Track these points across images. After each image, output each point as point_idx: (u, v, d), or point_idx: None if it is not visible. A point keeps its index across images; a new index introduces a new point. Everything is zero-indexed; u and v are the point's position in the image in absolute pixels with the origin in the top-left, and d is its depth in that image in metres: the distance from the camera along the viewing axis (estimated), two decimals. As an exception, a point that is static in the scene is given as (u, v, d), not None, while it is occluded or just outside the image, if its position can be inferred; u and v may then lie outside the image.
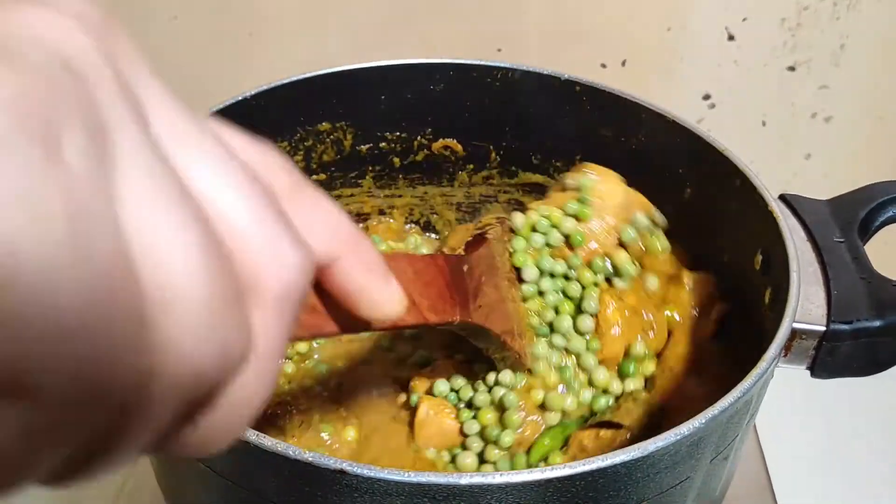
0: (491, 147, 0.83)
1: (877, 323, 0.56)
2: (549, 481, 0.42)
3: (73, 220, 0.18)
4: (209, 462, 0.47)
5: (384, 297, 0.32)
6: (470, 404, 0.61)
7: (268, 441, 0.42)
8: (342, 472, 0.41)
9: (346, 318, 0.33)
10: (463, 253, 0.58)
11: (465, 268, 0.54)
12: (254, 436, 0.42)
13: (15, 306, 0.17)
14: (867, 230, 0.65)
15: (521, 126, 0.80)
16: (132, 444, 0.21)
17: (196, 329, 0.21)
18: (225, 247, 0.23)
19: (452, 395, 0.62)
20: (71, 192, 0.18)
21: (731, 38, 0.93)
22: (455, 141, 0.83)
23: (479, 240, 0.61)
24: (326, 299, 0.32)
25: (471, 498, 0.42)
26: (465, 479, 0.41)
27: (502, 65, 0.77)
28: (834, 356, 0.58)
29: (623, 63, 0.95)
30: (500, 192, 0.85)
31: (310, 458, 0.41)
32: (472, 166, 0.85)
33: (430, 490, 0.41)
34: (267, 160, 0.27)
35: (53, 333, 0.18)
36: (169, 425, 0.22)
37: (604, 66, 0.95)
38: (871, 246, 0.65)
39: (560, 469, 0.42)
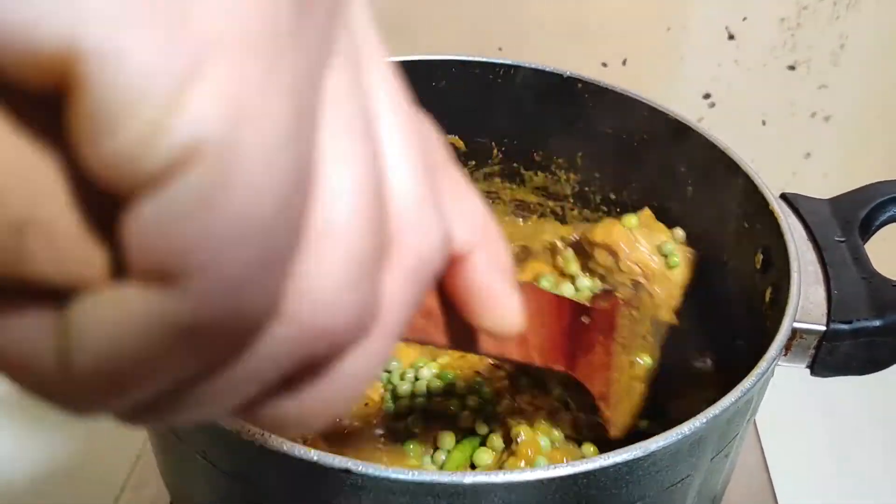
0: (493, 144, 0.83)
1: (877, 322, 0.57)
2: (551, 480, 0.43)
3: (296, 107, 0.18)
4: (214, 459, 0.48)
5: (507, 309, 0.28)
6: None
7: (273, 440, 0.42)
8: (347, 471, 0.41)
9: (457, 331, 0.31)
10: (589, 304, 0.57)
11: (585, 319, 0.52)
12: (259, 434, 0.42)
13: (221, 186, 0.16)
14: (868, 230, 0.65)
15: (522, 123, 0.81)
16: (227, 393, 0.20)
17: (339, 276, 0.20)
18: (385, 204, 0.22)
19: (385, 376, 0.66)
20: (298, 76, 0.18)
21: (731, 37, 0.93)
22: (457, 137, 0.83)
23: (607, 296, 0.61)
24: (442, 305, 0.30)
25: (474, 496, 0.42)
26: (468, 479, 0.42)
27: (505, 62, 0.77)
28: (834, 355, 0.58)
29: (624, 62, 0.96)
30: (501, 191, 0.86)
31: (315, 458, 0.42)
32: (473, 163, 0.85)
33: (434, 489, 0.42)
34: (425, 131, 0.26)
35: (235, 225, 0.17)
36: (272, 383, 0.20)
37: (604, 65, 0.95)
38: (871, 244, 0.66)
39: (563, 468, 0.43)
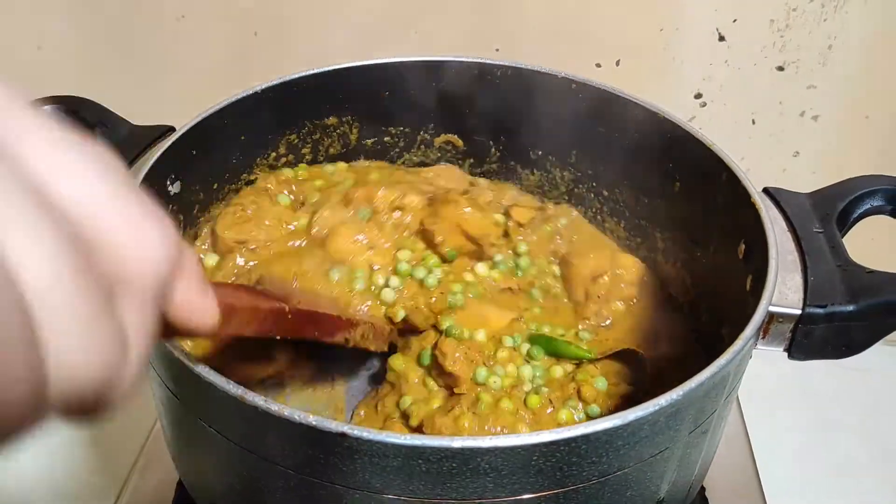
0: (490, 142, 0.86)
1: (850, 308, 0.59)
2: (534, 446, 0.45)
3: None
4: (218, 427, 0.51)
5: (208, 307, 0.33)
6: None
7: (274, 406, 0.45)
8: (343, 434, 0.44)
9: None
10: None
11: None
12: (261, 401, 0.45)
13: None
14: (846, 222, 0.67)
15: (519, 122, 0.83)
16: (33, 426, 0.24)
17: (74, 338, 0.24)
18: (89, 257, 0.25)
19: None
20: None
21: (721, 38, 0.95)
22: (455, 136, 0.86)
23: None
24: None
25: (462, 459, 0.45)
26: (457, 443, 0.44)
27: (502, 63, 0.80)
28: (809, 339, 0.60)
29: (617, 63, 0.97)
30: (499, 188, 0.88)
31: (313, 422, 0.44)
32: (472, 161, 0.87)
33: (425, 452, 0.44)
34: (100, 162, 0.27)
35: None
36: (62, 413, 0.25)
37: (598, 65, 0.97)
38: (860, 240, 0.68)
39: (546, 434, 0.45)
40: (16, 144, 0.24)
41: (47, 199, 0.24)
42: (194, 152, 0.71)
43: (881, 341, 0.61)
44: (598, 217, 0.84)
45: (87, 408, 0.25)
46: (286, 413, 0.45)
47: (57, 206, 0.24)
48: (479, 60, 0.80)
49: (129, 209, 0.26)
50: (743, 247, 0.66)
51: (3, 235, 0.22)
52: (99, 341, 0.24)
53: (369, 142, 0.85)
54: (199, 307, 0.32)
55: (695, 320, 0.76)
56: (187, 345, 0.69)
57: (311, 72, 0.77)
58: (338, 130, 0.83)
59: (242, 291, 0.53)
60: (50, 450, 0.92)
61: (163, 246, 0.27)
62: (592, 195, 0.84)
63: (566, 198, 0.86)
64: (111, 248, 0.26)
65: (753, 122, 1.00)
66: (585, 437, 0.46)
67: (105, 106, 0.73)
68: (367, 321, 0.65)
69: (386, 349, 0.69)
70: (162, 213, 0.28)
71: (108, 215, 0.26)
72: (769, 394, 0.96)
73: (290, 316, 0.54)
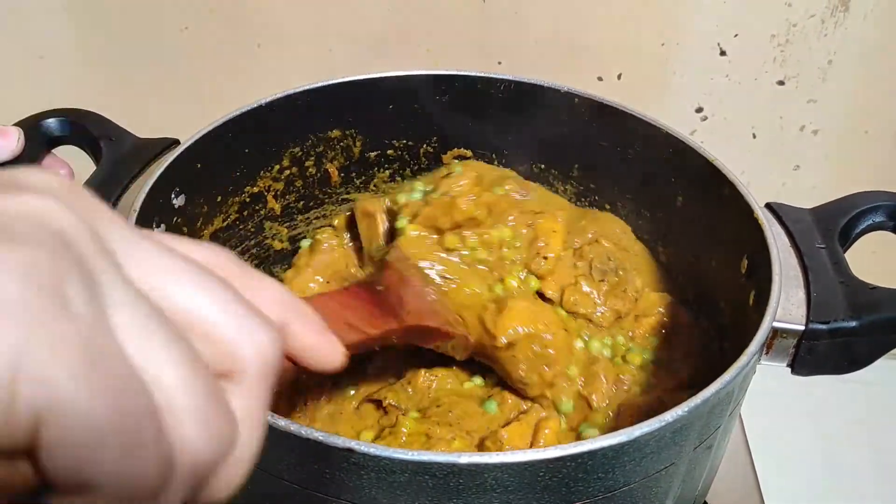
0: (493, 156, 0.86)
1: (853, 323, 0.59)
2: (541, 462, 0.45)
3: (89, 352, 0.24)
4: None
5: (330, 350, 0.37)
6: None
7: (281, 421, 0.45)
8: (350, 450, 0.44)
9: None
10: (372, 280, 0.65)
11: (380, 288, 0.60)
12: (269, 416, 0.45)
13: (64, 430, 0.23)
14: (848, 237, 0.68)
15: (522, 136, 0.83)
16: None
17: (196, 426, 0.27)
18: (202, 354, 0.28)
19: None
20: (82, 332, 0.24)
21: (722, 53, 0.96)
22: (464, 149, 0.86)
23: (383, 264, 0.68)
24: None
25: (469, 476, 0.45)
26: (464, 458, 0.45)
27: (505, 77, 0.80)
28: (813, 354, 0.61)
29: (619, 76, 0.98)
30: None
31: (320, 438, 0.44)
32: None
33: (432, 468, 0.44)
34: (215, 256, 0.32)
35: (96, 442, 0.23)
36: (187, 494, 0.28)
37: (600, 79, 0.98)
38: (861, 254, 0.68)
39: (552, 450, 0.45)
40: (120, 256, 0.28)
41: (164, 310, 0.27)
42: (199, 165, 0.71)
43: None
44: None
45: (202, 481, 0.28)
46: (292, 428, 0.45)
47: (172, 315, 0.28)
48: (484, 74, 0.80)
49: (232, 307, 0.29)
50: (746, 262, 0.66)
51: (143, 353, 0.26)
52: (215, 425, 0.27)
53: (372, 155, 0.85)
54: (327, 351, 0.36)
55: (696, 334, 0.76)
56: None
57: (315, 85, 0.78)
58: (341, 143, 0.83)
59: (355, 308, 0.54)
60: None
61: (268, 338, 0.30)
62: (595, 209, 0.84)
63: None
64: (221, 344, 0.29)
65: (754, 136, 1.01)
66: (592, 453, 0.46)
67: (109, 119, 0.73)
68: (463, 333, 0.66)
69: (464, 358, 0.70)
70: (257, 308, 0.31)
71: (217, 318, 0.29)
72: (770, 407, 0.96)
73: (395, 338, 0.56)
